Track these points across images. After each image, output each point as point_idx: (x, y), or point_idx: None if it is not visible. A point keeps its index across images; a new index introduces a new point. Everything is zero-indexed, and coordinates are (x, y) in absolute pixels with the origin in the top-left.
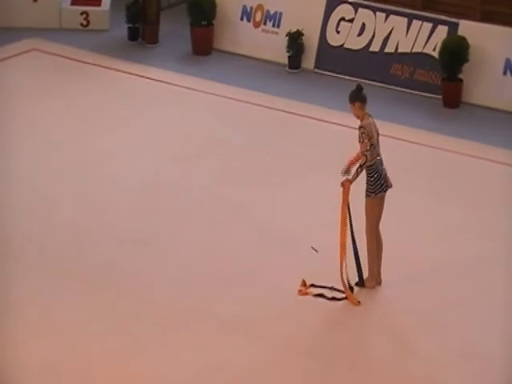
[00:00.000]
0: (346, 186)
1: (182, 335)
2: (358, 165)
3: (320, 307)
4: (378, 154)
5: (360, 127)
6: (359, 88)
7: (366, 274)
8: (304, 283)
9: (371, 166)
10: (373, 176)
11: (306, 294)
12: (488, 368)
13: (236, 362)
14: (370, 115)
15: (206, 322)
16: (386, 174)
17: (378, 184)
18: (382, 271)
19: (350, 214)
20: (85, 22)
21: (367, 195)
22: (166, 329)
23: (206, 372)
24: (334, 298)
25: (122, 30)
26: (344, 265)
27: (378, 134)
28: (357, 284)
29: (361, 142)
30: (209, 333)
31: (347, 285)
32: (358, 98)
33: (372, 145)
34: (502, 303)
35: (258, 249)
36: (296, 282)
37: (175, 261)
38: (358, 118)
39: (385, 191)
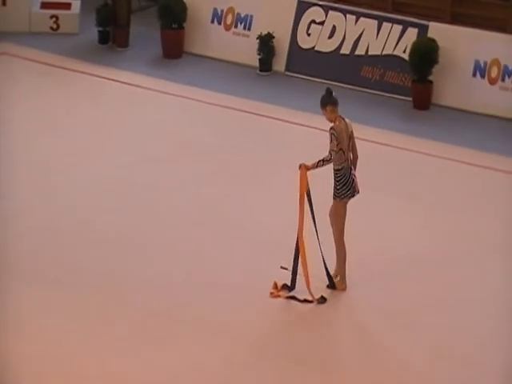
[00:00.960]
0: (302, 169)
1: (156, 337)
2: (329, 159)
3: (291, 309)
4: (347, 159)
5: (330, 128)
6: (329, 91)
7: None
8: (276, 286)
9: (339, 170)
10: (340, 181)
11: (278, 296)
12: (459, 368)
13: (209, 364)
14: (342, 118)
15: (180, 323)
16: (354, 180)
17: (345, 189)
18: (352, 271)
19: (311, 205)
20: (55, 26)
21: (334, 198)
22: (139, 330)
23: (180, 373)
24: (305, 300)
25: (93, 33)
26: (307, 271)
27: (351, 138)
28: (328, 286)
29: (330, 142)
30: (182, 334)
31: (313, 295)
32: (328, 101)
33: (341, 149)
34: (473, 302)
35: (231, 249)
36: (268, 283)
37: (148, 262)
38: (330, 121)
39: (350, 197)
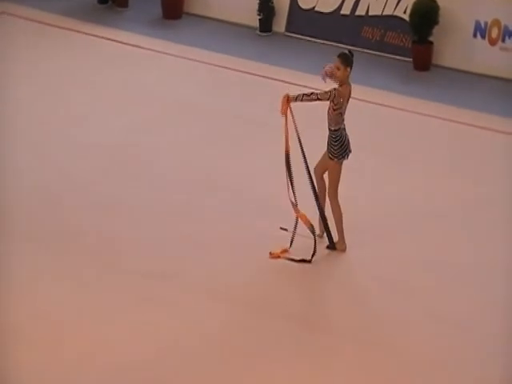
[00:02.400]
0: (283, 98)
1: (150, 300)
2: (311, 94)
3: (289, 271)
4: (343, 120)
5: (334, 89)
6: (352, 54)
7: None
8: (281, 250)
9: (335, 131)
10: (337, 141)
11: (278, 257)
12: (455, 331)
13: (206, 326)
14: (349, 84)
15: (177, 286)
16: (348, 140)
17: (343, 149)
18: (351, 234)
19: (304, 154)
20: None
21: (330, 158)
22: (133, 293)
23: (179, 337)
24: (303, 260)
25: None
26: (290, 188)
27: (348, 101)
28: (328, 247)
29: (326, 95)
30: (179, 297)
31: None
32: (352, 63)
33: (340, 112)
34: (470, 266)
35: (227, 211)
36: (265, 244)
37: (145, 226)
38: (339, 81)
39: (346, 157)
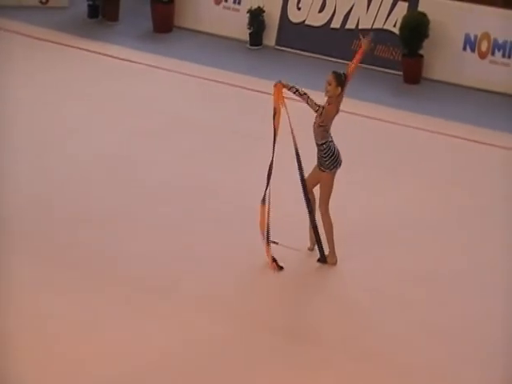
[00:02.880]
0: (277, 86)
1: (146, 313)
2: (304, 95)
3: (280, 283)
4: (329, 135)
5: (322, 107)
6: (346, 78)
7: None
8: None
9: (323, 144)
10: (326, 154)
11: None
12: (449, 343)
13: (197, 338)
14: (338, 106)
15: (170, 300)
16: (337, 150)
17: (333, 160)
18: (342, 246)
19: (298, 158)
20: (44, 0)
21: (322, 170)
22: (129, 307)
23: (170, 349)
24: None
25: (82, 7)
26: (267, 220)
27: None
28: (319, 260)
29: (314, 109)
30: (171, 309)
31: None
32: (343, 85)
33: (325, 129)
34: (463, 276)
35: (221, 226)
36: (257, 257)
37: (140, 238)
38: (329, 98)
39: (339, 166)
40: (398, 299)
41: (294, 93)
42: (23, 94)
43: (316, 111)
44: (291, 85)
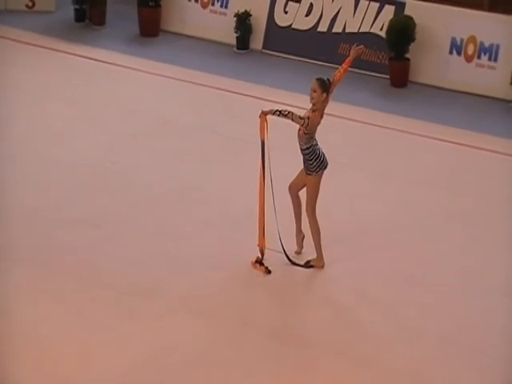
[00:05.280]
0: (260, 118)
1: (133, 317)
2: (287, 112)
3: (267, 286)
4: (313, 140)
5: (307, 117)
6: (330, 83)
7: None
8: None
9: (307, 148)
10: (311, 157)
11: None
12: (438, 346)
13: (185, 342)
14: (322, 113)
15: (157, 303)
16: (322, 152)
17: (318, 162)
18: (330, 249)
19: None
20: (30, 4)
21: (309, 174)
22: (116, 310)
23: (158, 353)
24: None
25: (69, 11)
26: (263, 229)
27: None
28: (306, 264)
29: (299, 118)
30: (158, 312)
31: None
32: (328, 90)
33: (311, 136)
34: (449, 279)
35: (207, 229)
36: (244, 261)
37: (126, 242)
38: (313, 105)
39: (324, 169)
40: (386, 302)
41: (278, 115)
42: (9, 97)
43: (302, 125)
44: (273, 109)
